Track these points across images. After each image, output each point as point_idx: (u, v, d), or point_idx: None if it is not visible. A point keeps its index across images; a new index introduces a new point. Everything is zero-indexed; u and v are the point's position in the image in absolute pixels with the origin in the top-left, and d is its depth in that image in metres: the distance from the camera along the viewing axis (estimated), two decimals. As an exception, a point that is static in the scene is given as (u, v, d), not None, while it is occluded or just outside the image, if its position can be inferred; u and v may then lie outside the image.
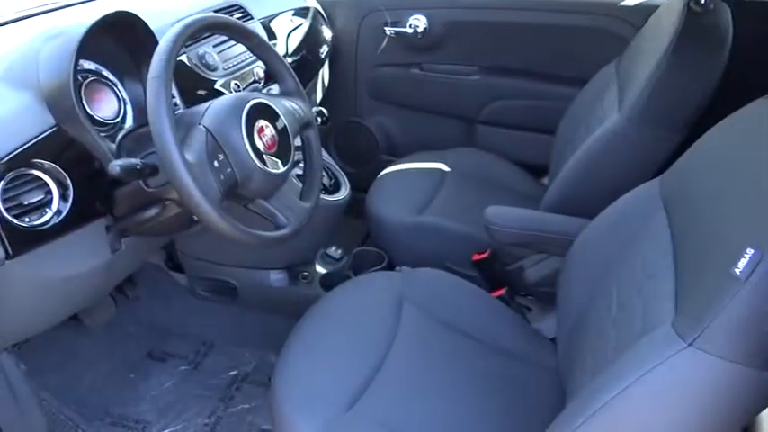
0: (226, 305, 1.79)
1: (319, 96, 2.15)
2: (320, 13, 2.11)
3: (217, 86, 1.44)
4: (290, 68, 1.31)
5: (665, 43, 1.36)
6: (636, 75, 1.46)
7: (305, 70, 1.93)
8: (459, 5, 2.05)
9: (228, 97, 1.14)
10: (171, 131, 0.96)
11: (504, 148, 2.10)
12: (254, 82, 1.53)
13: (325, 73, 2.20)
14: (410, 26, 2.06)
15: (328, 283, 1.68)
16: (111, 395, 1.68)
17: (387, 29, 2.10)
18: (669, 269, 0.91)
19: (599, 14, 1.87)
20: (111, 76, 1.25)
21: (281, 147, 1.16)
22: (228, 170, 1.06)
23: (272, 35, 1.74)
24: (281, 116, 1.18)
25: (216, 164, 1.04)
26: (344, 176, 1.70)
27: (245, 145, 1.08)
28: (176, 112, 1.25)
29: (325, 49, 2.07)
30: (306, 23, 1.97)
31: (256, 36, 1.26)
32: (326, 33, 2.11)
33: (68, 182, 1.07)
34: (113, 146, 1.13)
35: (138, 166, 1.02)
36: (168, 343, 1.85)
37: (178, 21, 1.10)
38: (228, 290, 1.73)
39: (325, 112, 1.58)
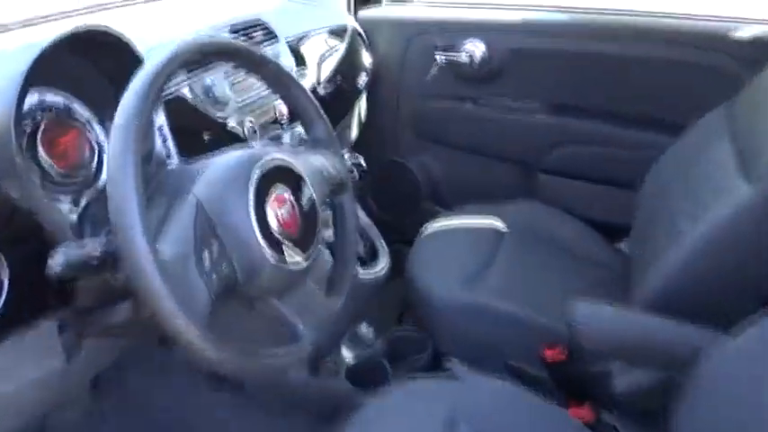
0: (230, 397, 1.45)
1: (354, 133, 1.84)
2: (360, 35, 1.80)
3: (228, 127, 1.13)
4: (320, 108, 0.99)
5: None
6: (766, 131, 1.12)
7: (339, 102, 1.64)
8: (526, 29, 1.74)
9: (233, 156, 0.81)
10: (137, 208, 0.66)
11: (571, 203, 1.77)
12: (275, 122, 1.21)
13: (362, 105, 1.89)
14: (465, 52, 1.76)
15: (357, 375, 1.34)
16: None
17: (437, 54, 1.80)
18: None
19: (703, 48, 1.54)
20: (84, 113, 0.94)
21: (306, 226, 0.83)
22: (224, 267, 0.73)
23: (300, 60, 1.42)
24: (308, 183, 0.85)
25: (206, 258, 0.71)
26: (384, 243, 1.36)
27: (252, 227, 0.75)
28: (168, 168, 0.94)
29: (363, 78, 1.75)
30: (342, 46, 1.66)
31: (270, 62, 0.94)
32: (366, 59, 1.80)
33: (4, 266, 0.75)
34: (74, 216, 0.83)
35: (94, 262, 0.70)
36: None
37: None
38: (232, 379, 1.40)
39: (362, 162, 1.25)
